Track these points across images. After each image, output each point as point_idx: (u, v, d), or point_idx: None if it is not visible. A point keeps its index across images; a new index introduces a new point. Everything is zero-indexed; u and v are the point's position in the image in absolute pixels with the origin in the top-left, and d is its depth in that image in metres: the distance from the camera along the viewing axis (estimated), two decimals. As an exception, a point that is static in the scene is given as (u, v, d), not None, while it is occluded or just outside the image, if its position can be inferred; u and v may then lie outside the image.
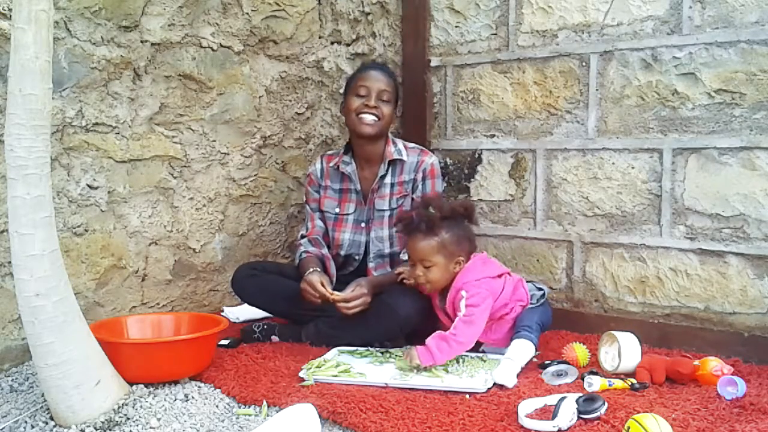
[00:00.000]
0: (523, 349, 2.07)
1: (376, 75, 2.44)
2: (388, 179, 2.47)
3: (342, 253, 2.51)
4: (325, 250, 2.49)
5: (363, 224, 2.49)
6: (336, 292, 2.23)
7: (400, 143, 2.50)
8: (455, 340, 2.03)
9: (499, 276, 2.19)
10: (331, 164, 2.55)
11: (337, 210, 2.53)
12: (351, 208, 2.52)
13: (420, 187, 2.45)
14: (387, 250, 2.46)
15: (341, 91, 2.96)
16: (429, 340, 2.04)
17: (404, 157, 2.46)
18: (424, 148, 2.55)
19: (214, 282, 2.83)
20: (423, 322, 2.35)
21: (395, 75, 2.58)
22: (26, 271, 1.64)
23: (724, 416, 1.69)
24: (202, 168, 2.72)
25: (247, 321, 2.65)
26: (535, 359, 2.10)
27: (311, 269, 2.32)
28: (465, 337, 2.04)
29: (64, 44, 2.22)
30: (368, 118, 2.40)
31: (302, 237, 2.54)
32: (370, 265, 2.46)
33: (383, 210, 2.46)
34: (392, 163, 2.46)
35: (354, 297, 2.21)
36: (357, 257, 2.50)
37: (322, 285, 2.23)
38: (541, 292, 2.27)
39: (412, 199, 2.45)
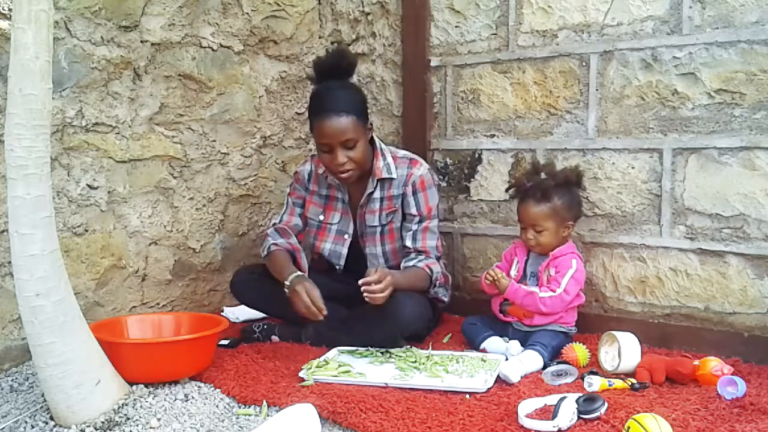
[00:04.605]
0: (533, 359, 2.07)
1: (332, 126, 2.19)
2: (377, 194, 2.39)
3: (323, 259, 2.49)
4: (293, 240, 2.41)
5: (346, 235, 2.45)
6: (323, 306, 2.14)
7: (389, 155, 2.39)
8: (542, 303, 2.19)
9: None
10: (320, 171, 2.45)
11: (321, 218, 2.47)
12: (336, 217, 2.46)
13: (411, 201, 2.36)
14: (384, 267, 2.35)
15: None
16: (521, 288, 2.22)
17: (393, 174, 2.36)
18: (413, 157, 2.43)
19: (214, 282, 2.83)
20: (424, 326, 2.36)
21: (355, 96, 2.30)
22: (26, 271, 1.64)
23: (724, 416, 1.69)
24: (202, 168, 2.72)
25: (247, 321, 2.64)
26: (538, 374, 2.04)
27: (292, 274, 2.21)
28: (550, 308, 2.20)
29: (64, 44, 2.22)
30: (342, 175, 2.27)
31: (272, 225, 2.47)
32: None
33: (374, 226, 2.41)
34: (381, 180, 2.38)
35: (378, 279, 2.07)
36: (338, 267, 2.47)
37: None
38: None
39: (403, 213, 2.39)
